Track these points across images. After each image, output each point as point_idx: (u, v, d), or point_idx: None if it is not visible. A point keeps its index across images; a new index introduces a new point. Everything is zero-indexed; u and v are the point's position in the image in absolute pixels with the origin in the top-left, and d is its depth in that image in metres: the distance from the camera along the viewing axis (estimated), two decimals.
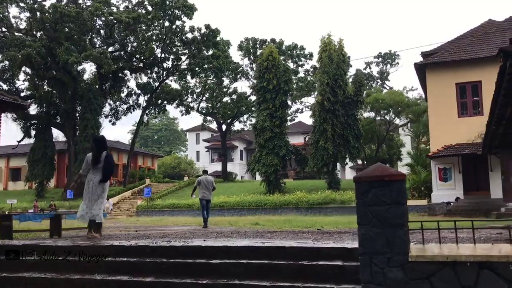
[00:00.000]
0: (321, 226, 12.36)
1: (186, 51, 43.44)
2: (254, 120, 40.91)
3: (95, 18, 39.80)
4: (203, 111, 48.83)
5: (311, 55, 45.95)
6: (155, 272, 5.73)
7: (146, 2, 41.95)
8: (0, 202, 36.01)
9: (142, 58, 42.65)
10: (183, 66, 44.18)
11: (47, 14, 39.44)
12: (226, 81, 47.73)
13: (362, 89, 35.03)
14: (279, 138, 33.92)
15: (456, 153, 23.08)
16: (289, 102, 40.68)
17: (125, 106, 47.47)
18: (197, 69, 43.45)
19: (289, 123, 39.42)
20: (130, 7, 42.90)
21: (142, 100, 47.02)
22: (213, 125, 54.02)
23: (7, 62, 39.68)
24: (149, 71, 44.82)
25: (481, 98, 23.26)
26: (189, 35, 42.51)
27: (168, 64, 44.43)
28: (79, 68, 43.45)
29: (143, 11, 41.37)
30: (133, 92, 47.05)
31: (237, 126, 51.38)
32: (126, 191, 40.45)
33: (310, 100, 50.14)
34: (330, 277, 5.01)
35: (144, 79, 46.01)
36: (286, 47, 45.61)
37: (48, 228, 10.26)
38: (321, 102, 31.67)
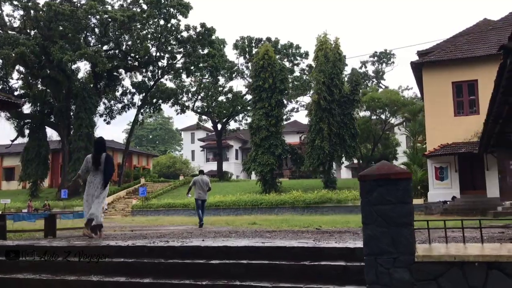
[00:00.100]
0: (319, 225, 12.26)
1: (182, 49, 43.26)
2: (249, 119, 40.83)
3: (89, 16, 39.56)
4: (199, 110, 48.67)
5: (306, 54, 45.92)
6: (152, 273, 5.60)
7: (141, 1, 41.75)
8: None
9: (137, 56, 42.43)
10: (178, 65, 44.02)
11: (41, 12, 39.14)
12: (221, 80, 47.67)
13: (359, 88, 35.01)
14: (275, 137, 33.84)
15: (453, 152, 23.08)
16: (285, 101, 40.63)
17: (119, 105, 47.28)
18: (192, 68, 43.29)
19: (284, 123, 39.36)
20: (125, 5, 42.63)
21: (137, 99, 46.90)
22: (208, 124, 53.90)
23: (0, 61, 39.29)
24: (144, 70, 44.58)
25: (477, 97, 23.27)
26: (185, 34, 42.38)
27: (163, 62, 44.31)
28: (74, 66, 43.15)
29: (138, 10, 41.16)
30: (128, 91, 46.83)
31: (232, 125, 51.39)
32: (121, 190, 40.24)
33: (306, 99, 50.17)
34: (333, 277, 4.91)
35: (139, 78, 45.89)
36: (282, 46, 45.53)
37: (43, 228, 10.11)
38: (317, 101, 31.60)
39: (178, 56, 43.76)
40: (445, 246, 4.68)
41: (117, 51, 43.12)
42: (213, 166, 56.89)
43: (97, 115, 44.14)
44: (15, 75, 43.21)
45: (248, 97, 44.59)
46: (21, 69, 41.80)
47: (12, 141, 44.33)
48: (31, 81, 42.79)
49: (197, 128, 56.58)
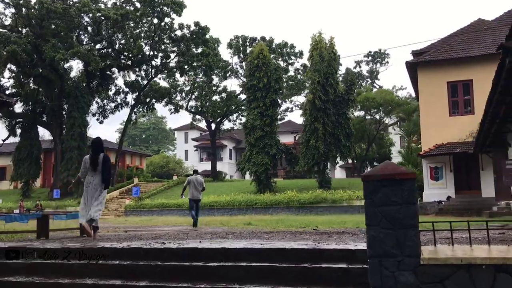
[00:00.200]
0: (316, 226, 12.15)
1: (175, 48, 43.04)
2: (243, 119, 40.70)
3: (82, 14, 39.22)
4: (192, 110, 48.45)
5: (301, 53, 45.87)
6: (149, 276, 5.45)
7: None
8: None
9: (130, 55, 42.15)
10: (172, 64, 43.81)
11: (33, 10, 38.74)
12: (215, 80, 47.49)
13: (353, 88, 35.00)
14: (269, 137, 33.72)
15: (448, 152, 23.07)
16: (279, 101, 40.56)
17: (112, 104, 46.97)
18: (186, 67, 43.08)
19: (279, 122, 39.26)
20: (118, 3, 42.33)
21: (130, 98, 46.65)
22: (202, 124, 53.68)
23: None
24: (137, 69, 44.32)
25: (472, 97, 23.29)
26: (178, 33, 42.14)
27: (157, 61, 44.10)
28: (66, 65, 42.86)
29: (131, 8, 40.87)
30: (121, 90, 46.54)
31: (226, 125, 51.19)
32: (114, 190, 39.91)
33: (300, 99, 50.09)
34: (334, 280, 4.80)
35: (132, 77, 45.62)
36: (276, 45, 45.45)
37: (35, 229, 9.91)
38: (312, 101, 31.52)
39: (172, 55, 43.57)
40: (451, 248, 4.57)
41: (110, 50, 42.79)
42: (207, 166, 56.68)
43: (90, 114, 43.88)
44: (7, 73, 42.81)
45: (243, 96, 44.45)
46: (13, 67, 41.39)
47: (4, 140, 43.96)
48: (23, 79, 42.37)
49: (190, 127, 56.36)
